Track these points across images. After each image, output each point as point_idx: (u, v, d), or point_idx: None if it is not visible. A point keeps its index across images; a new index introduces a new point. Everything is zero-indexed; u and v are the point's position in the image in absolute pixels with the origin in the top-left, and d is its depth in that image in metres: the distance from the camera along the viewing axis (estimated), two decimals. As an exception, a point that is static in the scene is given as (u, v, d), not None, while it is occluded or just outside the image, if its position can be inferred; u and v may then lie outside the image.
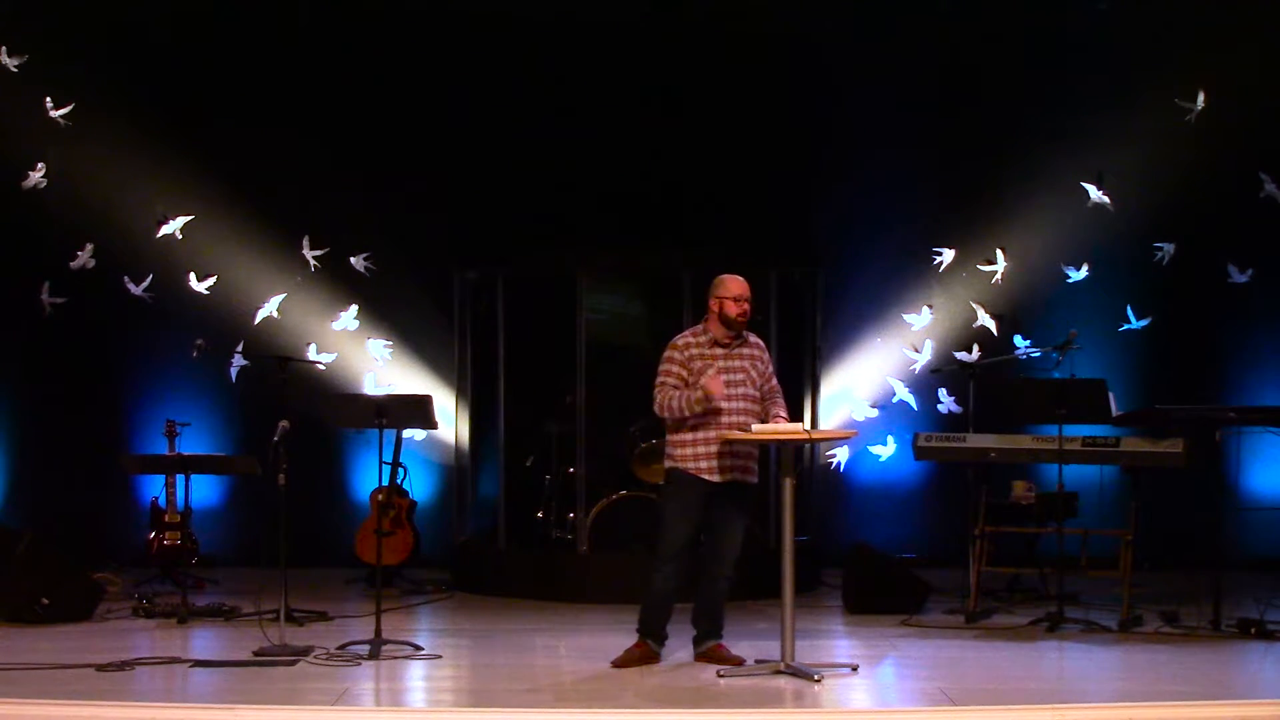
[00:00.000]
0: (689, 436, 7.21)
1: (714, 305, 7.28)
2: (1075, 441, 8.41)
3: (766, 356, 7.46)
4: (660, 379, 7.26)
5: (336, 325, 10.86)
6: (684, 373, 7.22)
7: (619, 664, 7.24)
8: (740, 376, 7.27)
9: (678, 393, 7.16)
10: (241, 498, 10.55)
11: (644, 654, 7.29)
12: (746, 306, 7.25)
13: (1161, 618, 8.32)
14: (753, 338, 7.43)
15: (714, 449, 7.18)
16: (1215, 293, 10.66)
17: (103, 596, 8.80)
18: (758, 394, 7.33)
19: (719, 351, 7.26)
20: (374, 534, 8.37)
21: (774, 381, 7.46)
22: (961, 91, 10.70)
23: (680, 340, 7.33)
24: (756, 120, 10.70)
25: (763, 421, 7.23)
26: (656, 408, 7.24)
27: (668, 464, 7.33)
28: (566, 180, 10.64)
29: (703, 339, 7.29)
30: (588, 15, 10.54)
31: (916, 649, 7.79)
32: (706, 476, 7.19)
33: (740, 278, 7.31)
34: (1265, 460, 10.05)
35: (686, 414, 7.14)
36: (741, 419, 7.17)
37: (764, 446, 7.31)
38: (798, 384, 9.93)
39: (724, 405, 7.16)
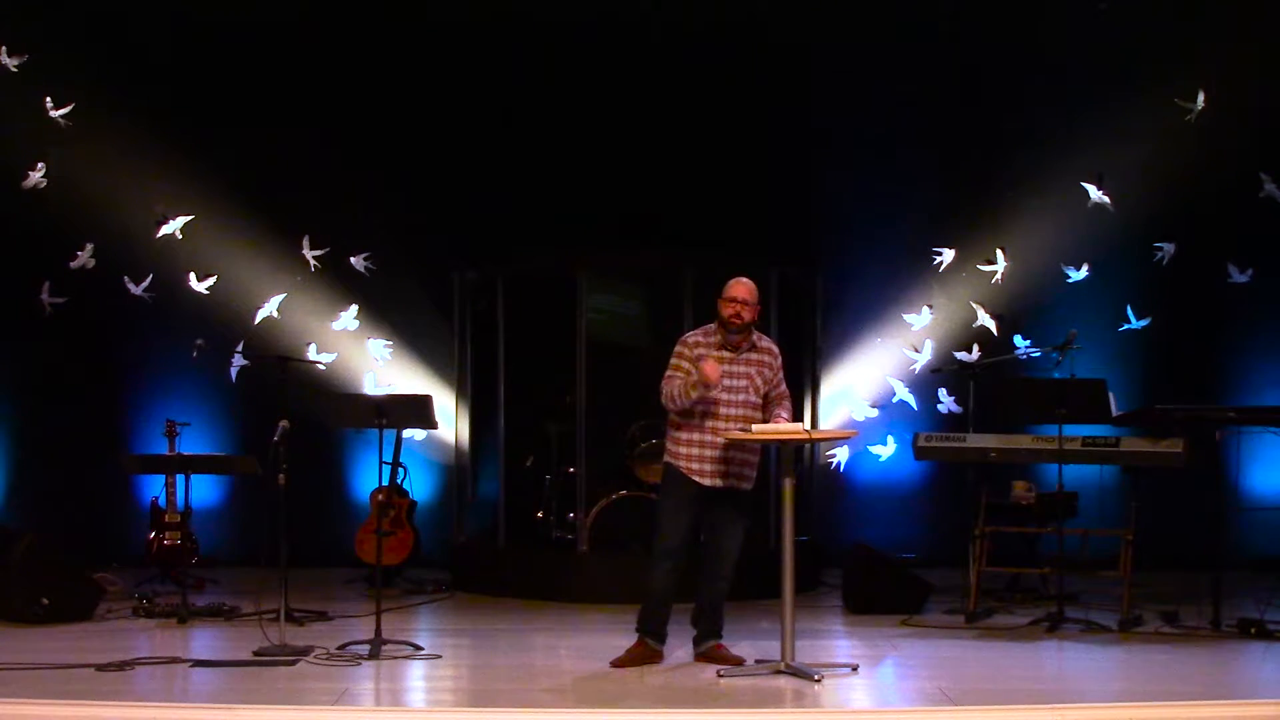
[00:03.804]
0: (685, 436, 7.22)
1: (718, 306, 7.26)
2: (1075, 441, 8.41)
3: (777, 363, 7.39)
4: (670, 372, 7.24)
5: (336, 325, 10.87)
6: (692, 369, 7.20)
7: (619, 664, 7.24)
8: (743, 383, 7.24)
9: (679, 380, 7.16)
10: (241, 498, 10.56)
11: (644, 653, 7.29)
12: (739, 309, 7.18)
13: (1161, 618, 8.33)
14: (765, 342, 7.39)
15: (709, 453, 7.18)
16: (1215, 293, 10.67)
17: (103, 596, 8.80)
18: (759, 401, 7.29)
19: (726, 355, 7.23)
20: (374, 534, 8.37)
21: (783, 387, 7.42)
22: (961, 91, 10.71)
23: (691, 338, 7.32)
24: (757, 120, 10.71)
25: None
26: (663, 399, 7.23)
27: (665, 459, 7.33)
28: (566, 180, 10.65)
29: (713, 339, 7.26)
30: (588, 15, 10.54)
31: (916, 649, 7.78)
32: (698, 479, 7.19)
33: (744, 280, 7.24)
34: (1265, 460, 10.04)
35: (684, 400, 7.13)
36: (739, 426, 7.13)
37: (764, 446, 7.31)
38: (798, 384, 9.92)
39: (722, 410, 7.15)
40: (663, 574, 7.24)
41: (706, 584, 7.35)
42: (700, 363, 7.08)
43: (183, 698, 6.72)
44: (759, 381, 7.29)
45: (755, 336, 7.33)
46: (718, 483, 7.20)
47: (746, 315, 7.21)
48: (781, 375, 7.43)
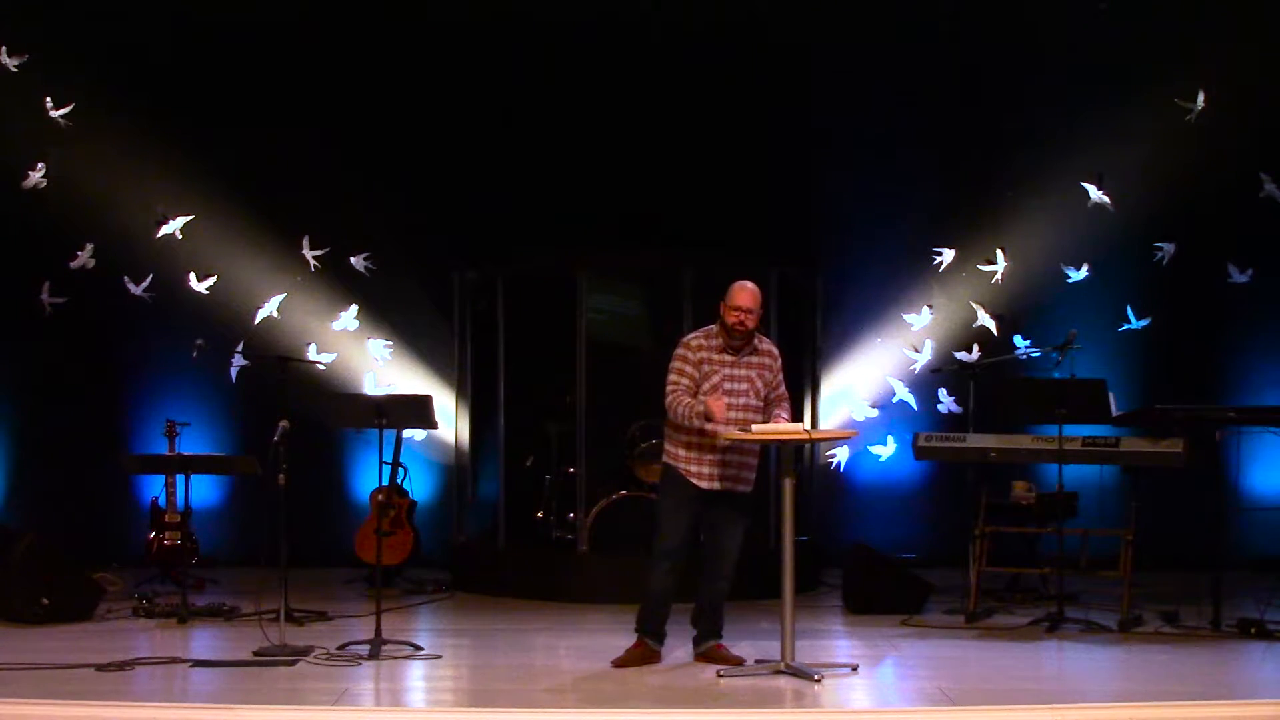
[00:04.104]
0: (684, 438, 7.21)
1: (721, 310, 7.24)
2: (1075, 441, 8.41)
3: (778, 365, 7.38)
4: (674, 378, 7.20)
5: (336, 325, 10.87)
6: (696, 374, 7.18)
7: (619, 664, 7.24)
8: (744, 386, 7.23)
9: (686, 399, 7.14)
10: (241, 498, 10.55)
11: (644, 653, 7.29)
12: (743, 317, 7.15)
13: (1161, 618, 8.33)
14: (765, 344, 7.38)
15: (707, 456, 7.17)
16: (1215, 293, 10.67)
17: (103, 596, 8.80)
18: (760, 404, 7.28)
19: (727, 358, 7.23)
20: (374, 534, 8.36)
21: (782, 389, 7.41)
22: (961, 91, 10.71)
23: (693, 341, 7.28)
24: (757, 120, 10.70)
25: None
26: (666, 404, 7.22)
27: (664, 459, 7.33)
28: (566, 180, 10.64)
29: (714, 342, 7.24)
30: (588, 15, 10.54)
31: (916, 649, 7.78)
32: (696, 482, 7.19)
33: (751, 287, 7.20)
34: (1265, 460, 10.04)
35: (687, 424, 7.14)
36: (739, 429, 7.10)
37: (764, 446, 7.31)
38: (798, 384, 9.92)
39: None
40: (662, 574, 7.24)
41: (706, 584, 7.35)
42: (709, 398, 7.07)
43: (183, 698, 6.72)
44: (759, 385, 7.28)
45: (756, 339, 7.32)
46: (716, 485, 7.20)
47: (750, 323, 7.20)
48: (781, 377, 7.42)
